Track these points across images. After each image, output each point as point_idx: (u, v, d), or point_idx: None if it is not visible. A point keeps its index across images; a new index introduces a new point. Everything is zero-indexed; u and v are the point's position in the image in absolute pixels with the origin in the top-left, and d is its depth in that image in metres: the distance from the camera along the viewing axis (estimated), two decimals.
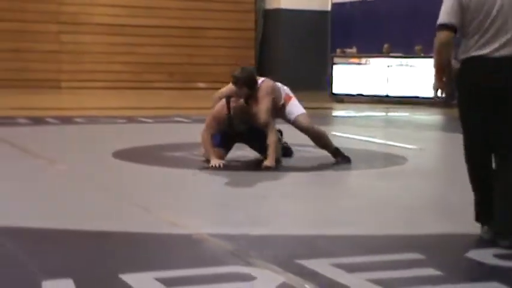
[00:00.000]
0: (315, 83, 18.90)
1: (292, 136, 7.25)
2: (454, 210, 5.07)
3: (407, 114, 13.73)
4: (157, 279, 3.25)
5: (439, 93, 4.07)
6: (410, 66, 16.22)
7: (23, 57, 18.70)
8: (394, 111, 14.24)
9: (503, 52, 3.91)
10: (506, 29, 3.93)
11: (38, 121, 10.47)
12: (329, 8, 21.31)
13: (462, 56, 4.01)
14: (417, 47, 16.86)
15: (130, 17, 19.53)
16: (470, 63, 3.96)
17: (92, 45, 19.31)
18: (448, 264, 3.60)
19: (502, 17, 3.92)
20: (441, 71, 4.03)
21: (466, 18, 3.95)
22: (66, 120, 10.74)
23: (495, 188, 3.96)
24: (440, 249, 3.94)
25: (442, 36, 3.96)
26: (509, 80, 3.92)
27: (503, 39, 3.92)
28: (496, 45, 3.92)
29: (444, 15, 3.97)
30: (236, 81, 6.44)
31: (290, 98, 6.83)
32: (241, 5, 20.76)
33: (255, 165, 6.53)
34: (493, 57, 3.91)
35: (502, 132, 3.96)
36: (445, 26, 3.95)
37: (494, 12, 3.92)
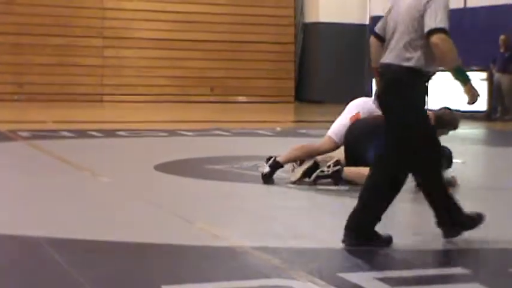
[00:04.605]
0: (353, 96, 18.84)
1: None
2: (498, 224, 5.01)
3: None
4: None
5: None
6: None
7: (67, 71, 19.02)
8: None
9: None
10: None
11: (81, 134, 10.63)
12: (367, 21, 21.26)
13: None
14: None
15: (172, 31, 19.71)
16: None
17: (134, 59, 19.54)
18: (492, 279, 3.56)
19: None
20: None
21: None
22: (109, 134, 10.89)
23: None
24: (484, 264, 3.90)
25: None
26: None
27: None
28: None
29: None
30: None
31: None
32: (281, 19, 20.82)
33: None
34: None
35: None
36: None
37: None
